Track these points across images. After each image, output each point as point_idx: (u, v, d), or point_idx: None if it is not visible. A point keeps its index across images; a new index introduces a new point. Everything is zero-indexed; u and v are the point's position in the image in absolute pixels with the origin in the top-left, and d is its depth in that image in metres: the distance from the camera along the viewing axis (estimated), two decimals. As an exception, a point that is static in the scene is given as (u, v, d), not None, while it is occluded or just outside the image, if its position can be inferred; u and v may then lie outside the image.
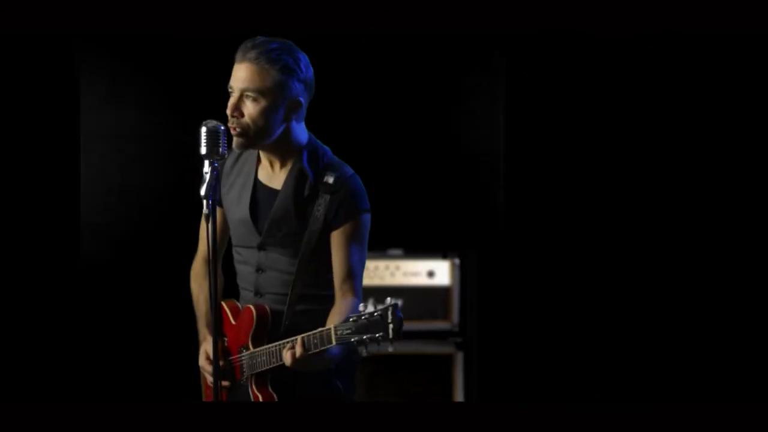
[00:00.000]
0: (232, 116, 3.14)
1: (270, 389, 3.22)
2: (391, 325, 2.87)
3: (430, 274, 5.25)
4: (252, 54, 3.12)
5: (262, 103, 3.12)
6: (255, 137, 3.16)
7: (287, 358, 3.05)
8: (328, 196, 3.16)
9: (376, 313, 2.89)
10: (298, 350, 3.02)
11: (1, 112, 5.20)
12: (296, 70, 3.13)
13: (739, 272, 5.22)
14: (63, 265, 5.24)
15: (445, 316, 5.24)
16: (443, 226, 5.38)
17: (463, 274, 5.23)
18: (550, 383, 5.24)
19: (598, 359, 5.26)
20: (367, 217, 3.21)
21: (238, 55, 3.15)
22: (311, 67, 3.19)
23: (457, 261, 5.22)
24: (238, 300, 3.38)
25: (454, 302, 5.23)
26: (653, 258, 5.26)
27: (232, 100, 3.15)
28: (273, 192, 3.24)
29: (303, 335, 3.04)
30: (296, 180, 3.20)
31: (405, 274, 5.24)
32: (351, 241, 3.17)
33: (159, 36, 5.07)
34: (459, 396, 5.17)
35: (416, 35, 5.16)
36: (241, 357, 3.27)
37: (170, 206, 5.15)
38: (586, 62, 5.26)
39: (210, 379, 3.33)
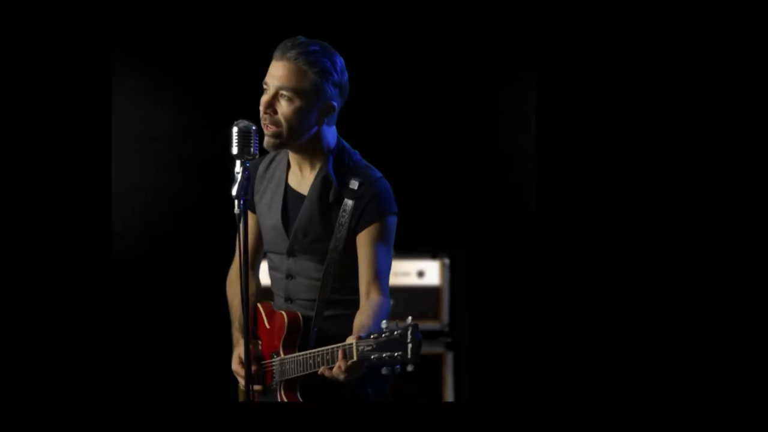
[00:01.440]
0: (265, 113, 3.15)
1: (299, 396, 3.22)
2: (410, 345, 2.85)
3: (420, 274, 5.27)
4: (291, 54, 3.12)
5: (297, 103, 3.12)
6: (287, 137, 3.15)
7: (339, 375, 2.99)
8: (352, 202, 3.16)
9: (396, 332, 2.87)
10: (341, 362, 2.97)
11: (33, 111, 5.19)
12: (333, 73, 3.14)
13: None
14: (94, 264, 5.22)
15: (435, 316, 5.25)
16: (433, 225, 5.39)
17: (453, 274, 5.25)
18: (539, 382, 5.27)
19: (588, 358, 5.30)
20: (393, 220, 3.20)
21: (277, 53, 3.14)
22: (346, 72, 3.20)
23: (447, 261, 5.24)
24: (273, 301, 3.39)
25: (443, 302, 5.25)
26: (644, 259, 5.31)
27: (266, 97, 3.15)
28: (301, 197, 3.24)
29: (341, 349, 2.99)
30: (321, 186, 3.20)
31: (395, 274, 5.23)
32: (376, 241, 3.16)
33: (191, 35, 5.06)
34: (449, 396, 5.19)
35: (448, 33, 5.17)
36: (272, 362, 3.27)
37: (202, 206, 5.13)
38: (619, 60, 5.27)
39: (241, 382, 3.34)
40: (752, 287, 5.24)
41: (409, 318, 2.89)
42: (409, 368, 2.87)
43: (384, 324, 2.90)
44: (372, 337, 2.91)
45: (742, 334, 5.23)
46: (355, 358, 2.94)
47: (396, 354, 2.86)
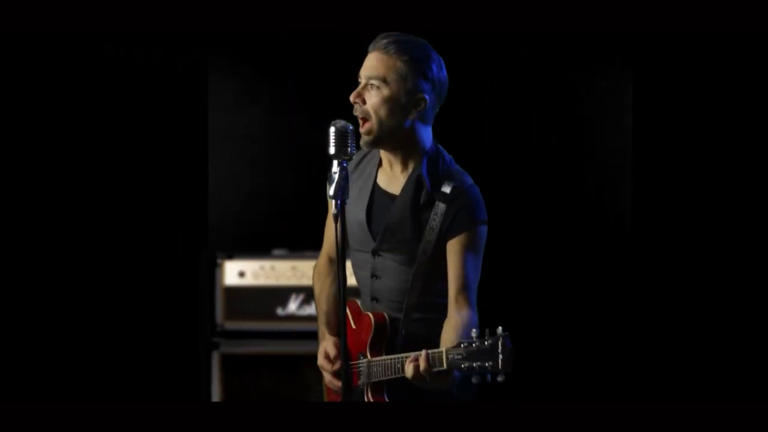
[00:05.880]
0: (355, 102, 3.14)
1: (386, 397, 3.20)
2: (500, 356, 2.83)
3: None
4: (382, 43, 3.12)
5: (385, 92, 3.10)
6: (378, 131, 3.13)
7: (409, 370, 3.00)
8: (444, 206, 3.13)
9: (486, 342, 2.86)
10: (423, 364, 2.97)
11: (132, 111, 5.29)
12: (424, 66, 3.11)
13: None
14: (188, 261, 5.29)
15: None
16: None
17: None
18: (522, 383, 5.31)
19: (576, 357, 5.31)
20: (484, 229, 3.17)
21: (371, 46, 3.15)
22: (444, 71, 3.17)
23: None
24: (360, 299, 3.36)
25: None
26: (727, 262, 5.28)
27: (358, 88, 3.15)
28: (390, 197, 3.22)
29: (425, 351, 2.99)
30: (414, 187, 3.17)
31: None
32: (466, 251, 3.13)
33: (288, 35, 5.10)
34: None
35: (544, 34, 5.17)
36: (359, 363, 3.24)
37: (297, 206, 5.04)
38: (714, 60, 5.22)
39: (327, 377, 3.32)
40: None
41: (500, 328, 2.88)
42: (500, 378, 2.86)
43: (474, 333, 2.89)
44: (462, 345, 2.90)
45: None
46: (444, 366, 2.93)
47: (486, 364, 2.85)
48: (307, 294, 5.18)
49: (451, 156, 3.26)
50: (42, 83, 5.28)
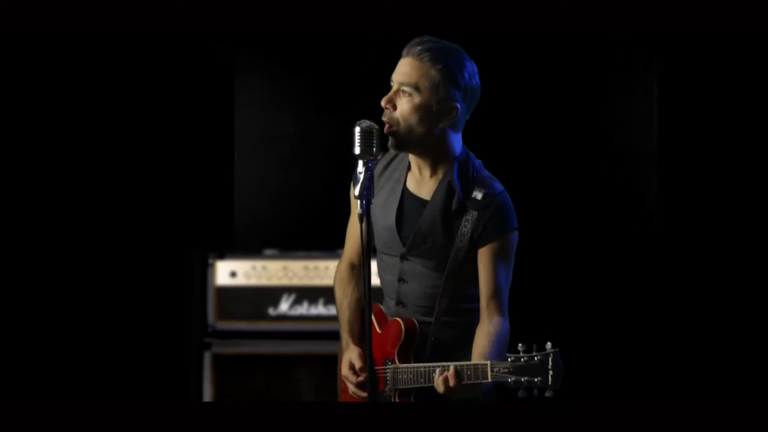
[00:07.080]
0: (386, 108, 3.12)
1: (413, 401, 3.20)
2: (551, 372, 2.85)
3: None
4: (416, 49, 3.10)
5: (416, 99, 3.09)
6: (405, 135, 3.12)
7: (439, 384, 3.01)
8: (475, 213, 3.13)
9: (536, 357, 2.87)
10: (452, 381, 2.98)
11: (157, 111, 5.27)
12: (457, 75, 3.09)
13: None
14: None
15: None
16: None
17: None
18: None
19: (604, 358, 5.28)
20: (515, 236, 3.18)
21: (404, 51, 3.13)
22: (477, 78, 3.15)
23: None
24: (381, 303, 3.35)
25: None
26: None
27: (389, 93, 3.13)
28: (420, 202, 3.20)
29: (457, 364, 3.00)
30: (445, 193, 3.16)
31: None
32: (498, 259, 3.14)
33: (314, 35, 5.05)
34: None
35: (569, 34, 5.14)
36: (385, 369, 3.23)
37: (324, 207, 5.01)
38: (740, 60, 5.20)
39: (351, 389, 3.29)
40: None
41: (549, 344, 2.90)
42: (548, 394, 2.87)
43: (521, 347, 2.90)
44: (509, 360, 2.90)
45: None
46: (489, 380, 2.93)
47: (536, 379, 2.86)
48: (299, 294, 5.18)
49: (480, 161, 3.25)
50: (66, 82, 5.24)
